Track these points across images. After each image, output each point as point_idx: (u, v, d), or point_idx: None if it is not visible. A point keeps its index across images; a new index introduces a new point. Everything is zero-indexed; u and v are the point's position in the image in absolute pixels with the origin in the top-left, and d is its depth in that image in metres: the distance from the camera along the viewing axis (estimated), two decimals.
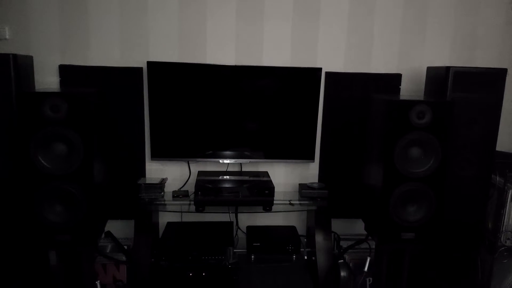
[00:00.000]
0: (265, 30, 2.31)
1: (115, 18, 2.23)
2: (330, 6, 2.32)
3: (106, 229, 2.20)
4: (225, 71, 2.26)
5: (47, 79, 2.22)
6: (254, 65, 2.31)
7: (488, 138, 2.11)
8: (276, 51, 2.33)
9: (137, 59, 2.26)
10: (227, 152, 2.33)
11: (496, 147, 2.13)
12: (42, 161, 1.78)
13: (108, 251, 2.26)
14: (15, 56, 1.90)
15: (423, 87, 2.32)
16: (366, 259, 2.23)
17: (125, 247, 2.24)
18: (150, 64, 2.21)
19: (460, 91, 2.05)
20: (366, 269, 2.22)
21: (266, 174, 2.37)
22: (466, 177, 2.13)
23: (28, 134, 1.76)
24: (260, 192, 2.14)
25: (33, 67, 2.17)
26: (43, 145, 1.78)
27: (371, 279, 2.30)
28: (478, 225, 2.20)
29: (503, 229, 2.16)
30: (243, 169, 2.43)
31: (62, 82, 2.23)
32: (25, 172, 1.81)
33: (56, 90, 1.98)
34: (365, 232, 2.27)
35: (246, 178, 2.28)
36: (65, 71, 2.23)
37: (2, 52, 1.97)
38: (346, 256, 2.33)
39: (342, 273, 2.24)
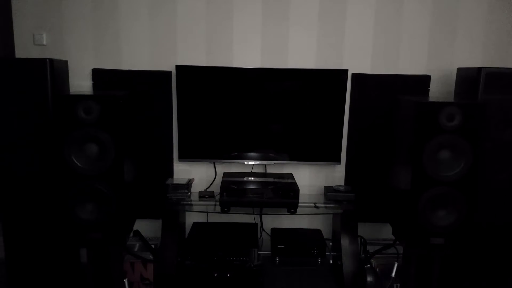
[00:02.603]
0: (291, 32, 2.33)
1: (145, 24, 2.31)
2: (356, 7, 2.31)
3: (134, 228, 2.26)
4: (251, 73, 2.28)
5: (81, 83, 2.32)
6: (280, 68, 2.32)
7: None
8: (301, 53, 2.34)
9: (166, 63, 2.32)
10: (252, 154, 2.35)
11: None
12: (75, 161, 1.85)
13: (136, 249, 2.31)
14: (51, 60, 1.99)
15: (453, 89, 2.25)
16: (394, 265, 2.18)
17: (152, 246, 2.29)
18: (178, 67, 2.26)
19: (493, 92, 1.99)
20: (393, 274, 2.17)
21: (291, 176, 2.36)
22: (500, 180, 2.06)
23: (63, 134, 1.83)
24: (284, 194, 2.14)
25: (68, 71, 2.27)
26: (77, 146, 1.85)
27: (398, 285, 2.24)
28: None
29: None
30: (268, 171, 2.44)
31: (95, 85, 2.33)
32: (59, 172, 1.89)
33: (89, 93, 2.06)
34: (393, 237, 2.22)
35: (271, 179, 2.28)
36: (98, 74, 2.32)
37: (40, 57, 2.07)
38: (373, 261, 2.29)
39: (369, 279, 2.20)
